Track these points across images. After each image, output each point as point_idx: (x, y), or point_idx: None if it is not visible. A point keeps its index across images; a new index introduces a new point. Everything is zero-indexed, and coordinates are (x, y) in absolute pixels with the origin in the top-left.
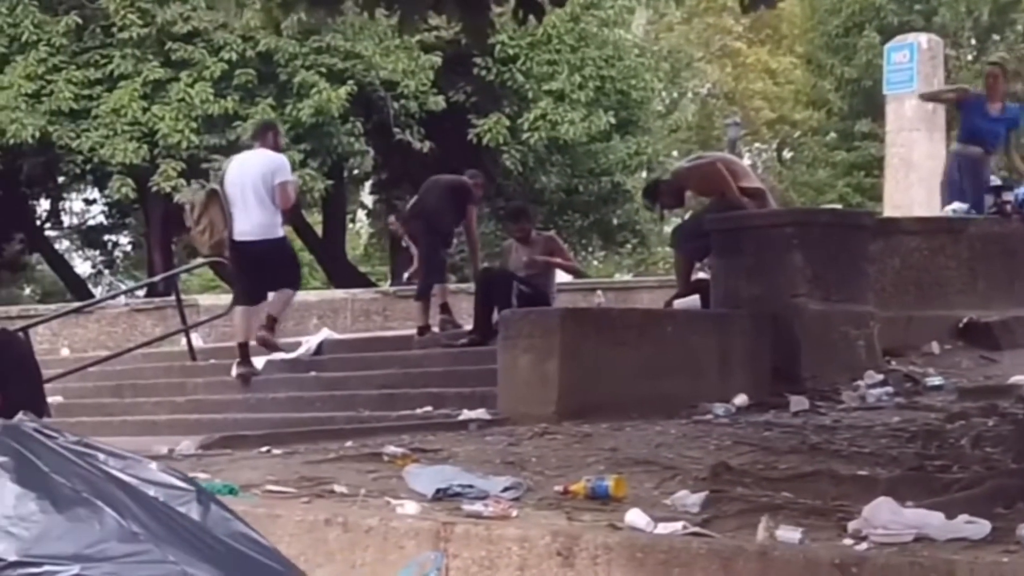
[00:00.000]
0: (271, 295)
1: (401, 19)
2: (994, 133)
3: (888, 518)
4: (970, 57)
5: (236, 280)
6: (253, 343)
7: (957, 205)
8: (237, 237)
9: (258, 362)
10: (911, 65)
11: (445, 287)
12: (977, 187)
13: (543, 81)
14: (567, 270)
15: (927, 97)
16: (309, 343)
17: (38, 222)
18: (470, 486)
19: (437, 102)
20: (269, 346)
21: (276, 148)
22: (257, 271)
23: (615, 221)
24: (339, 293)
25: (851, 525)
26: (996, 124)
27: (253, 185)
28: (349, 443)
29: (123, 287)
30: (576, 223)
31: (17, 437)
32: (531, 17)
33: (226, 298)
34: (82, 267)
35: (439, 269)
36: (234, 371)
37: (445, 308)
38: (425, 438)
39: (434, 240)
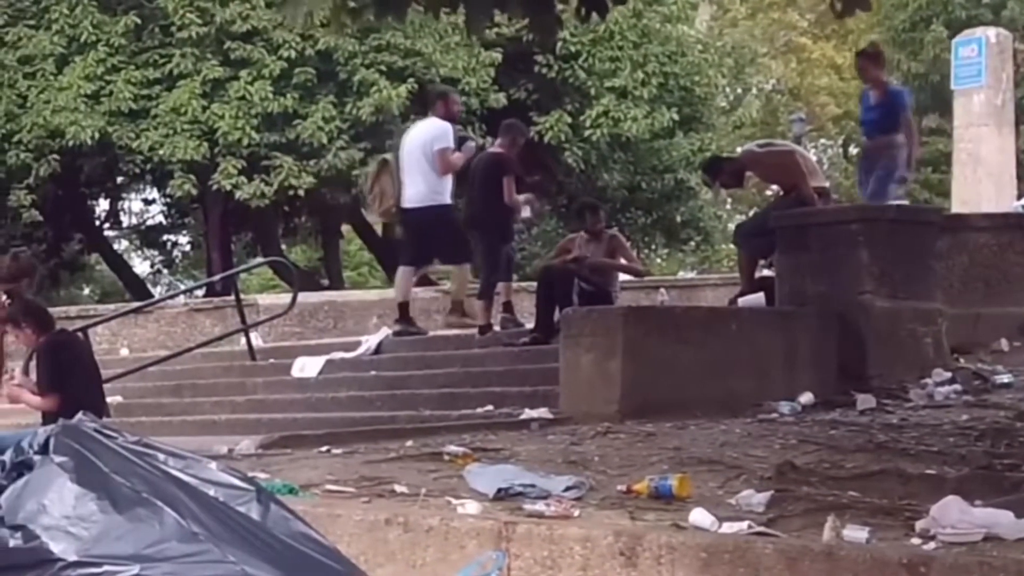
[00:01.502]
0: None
1: (468, 19)
2: (870, 121)
3: (957, 517)
4: None
5: (403, 243)
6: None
7: None
8: (403, 204)
9: (317, 363)
10: (979, 60)
11: (509, 285)
12: (871, 176)
13: (605, 78)
14: (629, 271)
15: None
16: (369, 342)
17: (97, 222)
18: (532, 485)
19: (498, 99)
20: (457, 326)
21: (446, 116)
22: (421, 239)
23: (678, 218)
24: None
25: (919, 524)
26: (871, 112)
27: (416, 152)
28: (410, 442)
29: (182, 287)
30: (639, 220)
31: (77, 437)
32: (594, 15)
33: (285, 297)
34: (141, 267)
35: (503, 267)
36: (395, 327)
37: (508, 307)
38: (486, 437)
39: (492, 238)
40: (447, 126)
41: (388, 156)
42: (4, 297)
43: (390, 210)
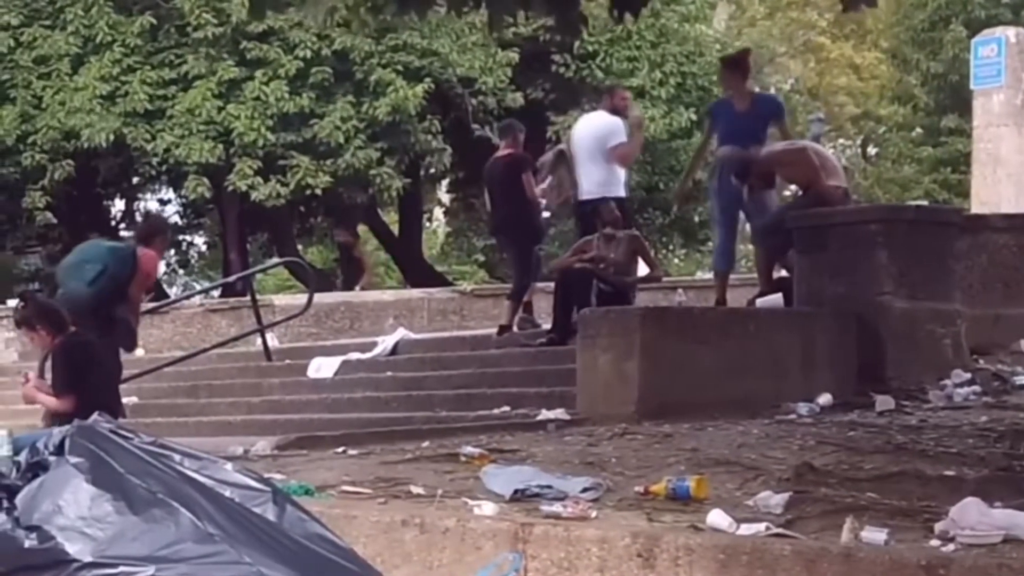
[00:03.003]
0: None
1: (490, 18)
2: (739, 131)
3: (976, 519)
4: None
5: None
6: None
7: None
8: (579, 196)
9: (333, 363)
10: (999, 59)
11: (533, 286)
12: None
13: (623, 78)
14: (650, 280)
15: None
16: (385, 343)
17: (113, 223)
18: (548, 486)
19: (515, 99)
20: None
21: (612, 110)
22: (592, 230)
23: (696, 219)
24: (415, 292)
25: (938, 526)
26: (740, 121)
27: (588, 146)
28: (426, 443)
29: (198, 287)
30: (657, 221)
31: (93, 438)
32: (618, 15)
33: (301, 298)
34: None
35: (536, 269)
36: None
37: (527, 307)
38: (503, 438)
39: (523, 241)
40: (618, 121)
41: (564, 147)
42: (19, 301)
43: (568, 200)
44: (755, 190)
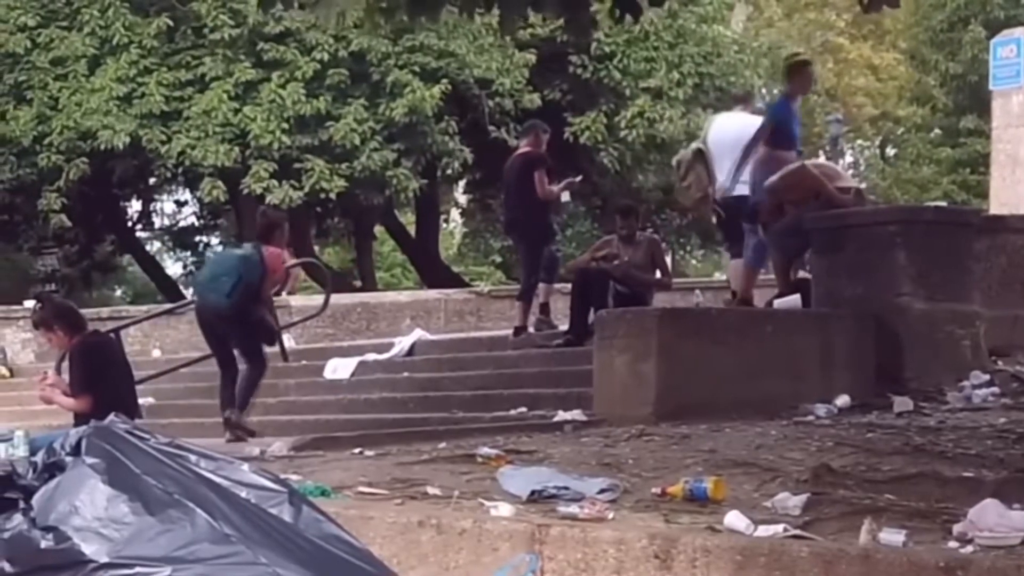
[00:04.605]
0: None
1: (501, 19)
2: (797, 135)
3: (995, 520)
4: None
5: (725, 236)
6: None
7: None
8: (718, 195)
9: (350, 364)
10: (1018, 60)
11: (549, 287)
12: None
13: (640, 78)
14: (659, 285)
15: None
16: (402, 344)
17: (129, 223)
18: (565, 488)
19: (532, 100)
20: None
21: (755, 114)
22: (737, 229)
23: (714, 219)
24: (432, 293)
25: (956, 528)
26: (796, 122)
27: (732, 145)
28: (443, 444)
29: None
30: (674, 222)
31: (109, 439)
32: (626, 17)
33: (317, 299)
34: (173, 268)
35: (546, 268)
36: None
37: (544, 308)
38: (520, 439)
39: (532, 240)
40: (760, 121)
41: (701, 146)
42: (35, 303)
43: (706, 198)
44: (769, 227)
